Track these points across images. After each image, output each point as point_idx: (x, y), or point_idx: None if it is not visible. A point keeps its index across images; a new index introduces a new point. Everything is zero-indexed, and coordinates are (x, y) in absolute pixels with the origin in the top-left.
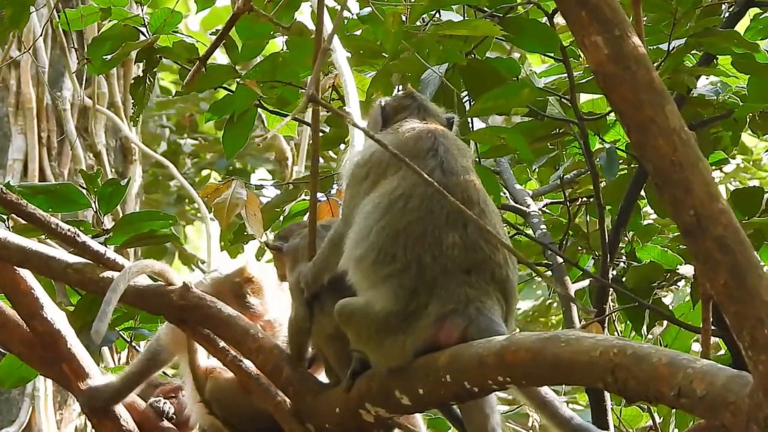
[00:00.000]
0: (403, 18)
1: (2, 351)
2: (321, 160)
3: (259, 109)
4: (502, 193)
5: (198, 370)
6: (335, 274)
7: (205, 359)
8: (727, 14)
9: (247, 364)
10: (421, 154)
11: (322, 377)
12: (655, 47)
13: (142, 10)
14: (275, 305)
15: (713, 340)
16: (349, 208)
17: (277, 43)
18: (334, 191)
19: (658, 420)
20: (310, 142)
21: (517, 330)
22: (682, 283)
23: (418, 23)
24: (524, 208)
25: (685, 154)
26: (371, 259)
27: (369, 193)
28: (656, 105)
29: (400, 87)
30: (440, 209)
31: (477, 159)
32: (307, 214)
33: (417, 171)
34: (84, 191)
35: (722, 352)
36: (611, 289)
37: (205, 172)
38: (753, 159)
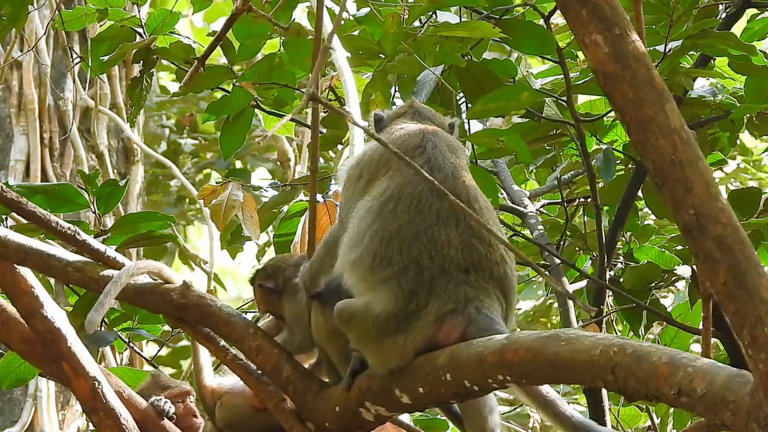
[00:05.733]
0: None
1: (0, 351)
2: (320, 161)
3: (258, 110)
4: (499, 194)
5: (204, 390)
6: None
7: (211, 378)
8: (723, 15)
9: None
10: (409, 152)
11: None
12: (651, 49)
13: (139, 11)
14: None
15: (712, 340)
16: (344, 210)
17: (275, 43)
18: (331, 192)
19: (656, 420)
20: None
21: (518, 329)
22: (682, 284)
23: (415, 24)
24: (521, 209)
25: (685, 153)
26: (367, 263)
27: (363, 194)
28: (656, 104)
29: (397, 87)
30: (429, 208)
31: (474, 160)
32: (303, 216)
33: (413, 166)
34: (83, 192)
35: (720, 352)
36: (609, 290)
37: (205, 172)
38: (753, 160)
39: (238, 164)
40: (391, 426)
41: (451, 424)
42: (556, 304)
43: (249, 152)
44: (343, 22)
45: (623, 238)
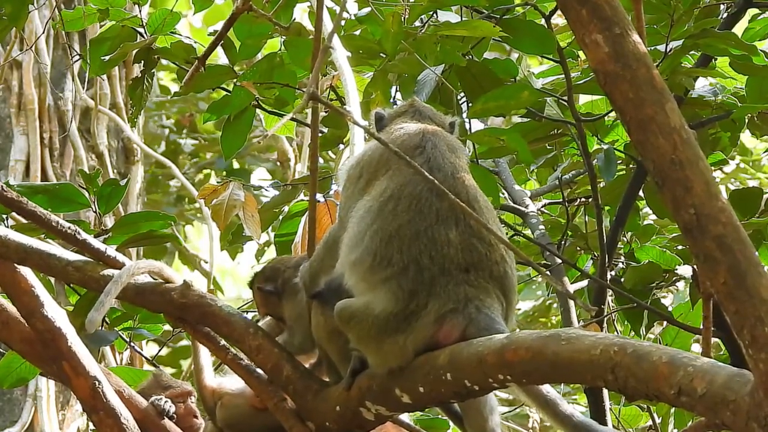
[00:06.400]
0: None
1: (1, 351)
2: (321, 161)
3: (259, 110)
4: (500, 194)
5: (205, 390)
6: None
7: (211, 378)
8: (725, 15)
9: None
10: (408, 152)
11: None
12: (652, 48)
13: (140, 11)
14: None
15: (713, 340)
16: (344, 209)
17: (276, 42)
18: (332, 192)
19: (657, 420)
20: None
21: (518, 329)
22: (682, 284)
23: (416, 23)
24: (523, 209)
25: (686, 152)
26: (368, 263)
27: (363, 194)
28: (656, 103)
29: (398, 87)
30: (429, 208)
31: (475, 159)
32: (304, 216)
33: (413, 165)
34: (83, 191)
35: (722, 352)
36: (610, 290)
37: (205, 172)
38: (753, 160)
39: (237, 164)
40: (392, 425)
41: (451, 424)
42: (556, 304)
43: (249, 152)
44: (343, 21)
45: (624, 238)
